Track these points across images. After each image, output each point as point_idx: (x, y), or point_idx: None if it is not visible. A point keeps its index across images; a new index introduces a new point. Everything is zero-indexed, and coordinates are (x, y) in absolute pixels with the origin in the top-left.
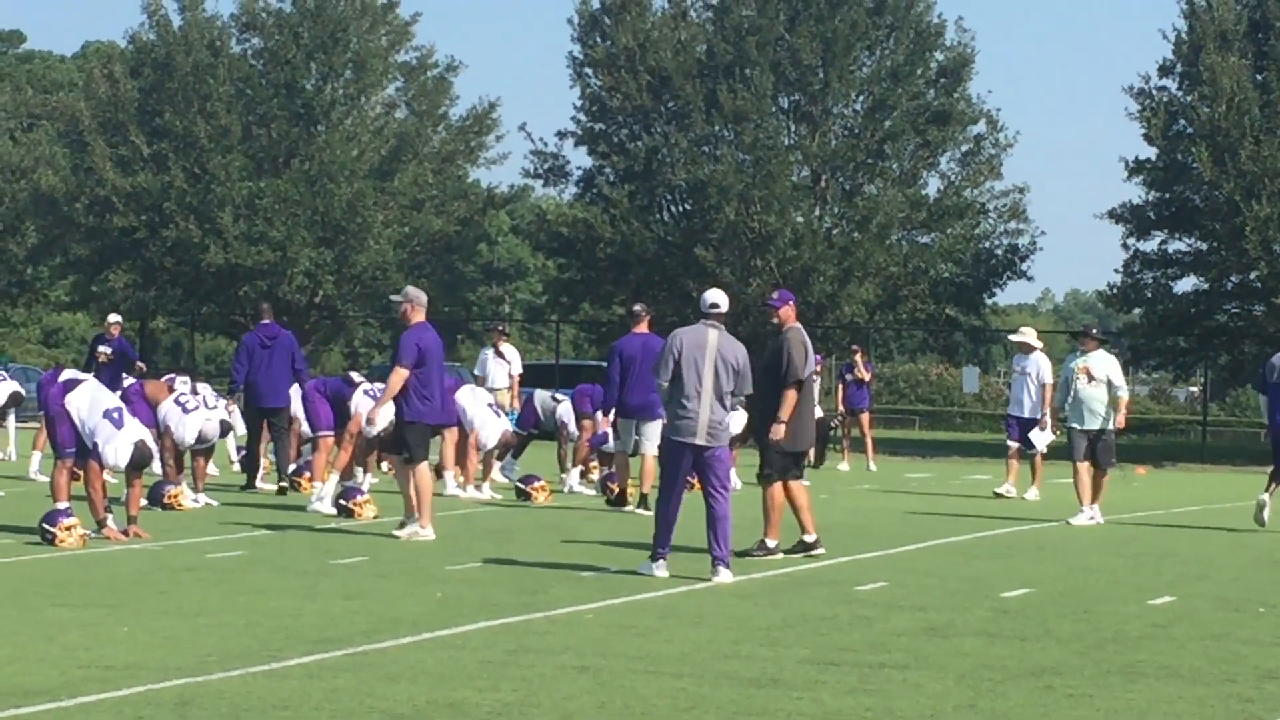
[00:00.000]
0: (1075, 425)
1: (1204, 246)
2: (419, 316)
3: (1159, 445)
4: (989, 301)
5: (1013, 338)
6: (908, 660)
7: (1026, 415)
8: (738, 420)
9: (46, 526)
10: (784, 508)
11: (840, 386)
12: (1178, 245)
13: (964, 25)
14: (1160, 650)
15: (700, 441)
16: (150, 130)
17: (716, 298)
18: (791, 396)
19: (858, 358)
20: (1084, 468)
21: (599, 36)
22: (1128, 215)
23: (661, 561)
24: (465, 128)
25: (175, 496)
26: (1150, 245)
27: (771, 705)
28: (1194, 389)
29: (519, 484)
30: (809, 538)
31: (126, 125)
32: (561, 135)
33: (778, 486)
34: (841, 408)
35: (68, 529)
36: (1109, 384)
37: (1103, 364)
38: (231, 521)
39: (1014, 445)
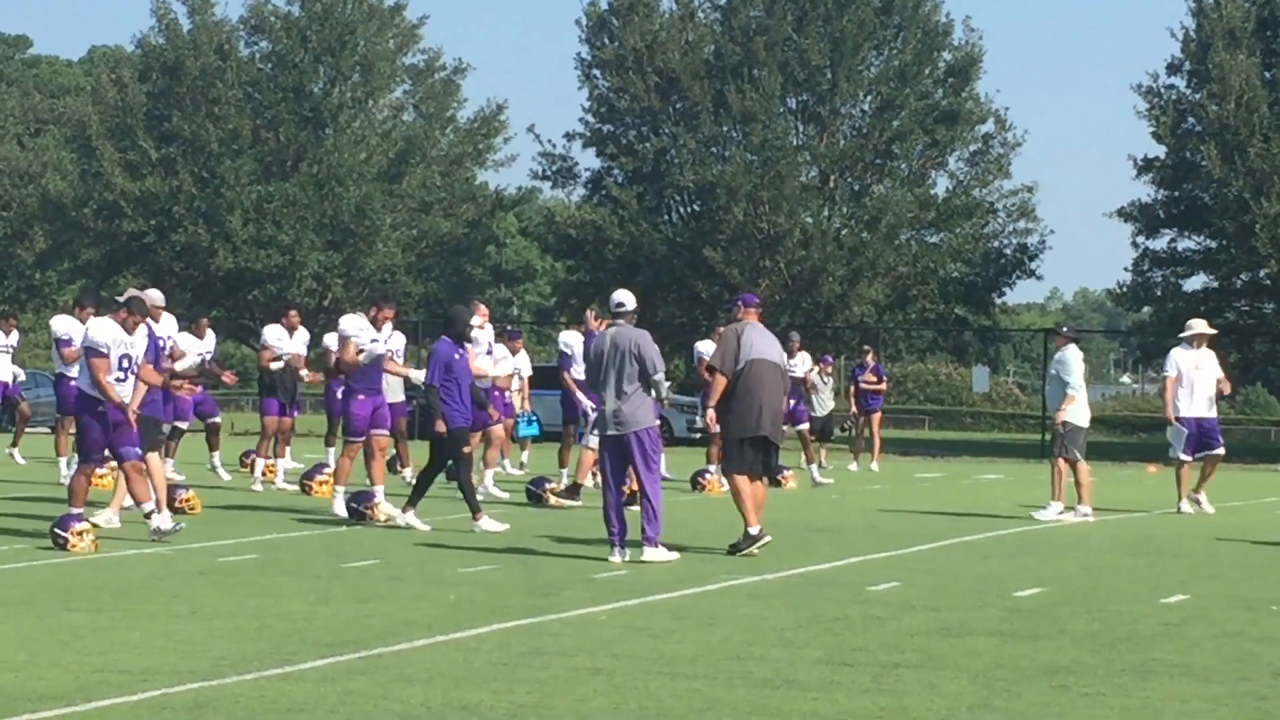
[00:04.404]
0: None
1: (1213, 244)
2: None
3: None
4: (998, 301)
5: (1203, 329)
6: (921, 660)
7: (1203, 415)
8: None
9: (59, 531)
10: (752, 495)
11: (853, 387)
12: (1187, 243)
13: (971, 25)
14: (1174, 649)
15: (611, 432)
16: (158, 135)
17: (619, 297)
18: (715, 383)
19: (869, 358)
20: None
21: (607, 38)
22: (1137, 214)
23: (615, 549)
24: (473, 130)
25: (188, 500)
26: (1160, 244)
27: (786, 706)
28: None
29: (530, 486)
30: (753, 530)
31: (134, 129)
32: (570, 137)
33: (740, 478)
34: (854, 408)
35: (79, 534)
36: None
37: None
38: (244, 525)
39: (1186, 457)
